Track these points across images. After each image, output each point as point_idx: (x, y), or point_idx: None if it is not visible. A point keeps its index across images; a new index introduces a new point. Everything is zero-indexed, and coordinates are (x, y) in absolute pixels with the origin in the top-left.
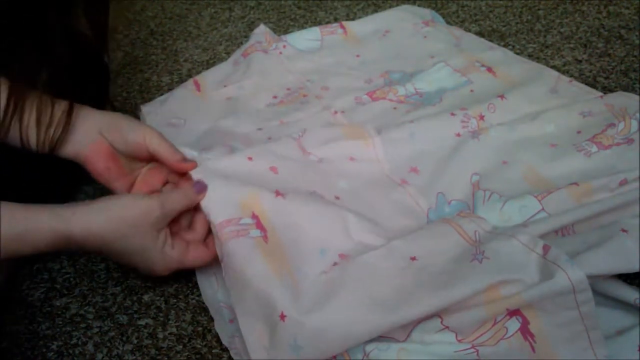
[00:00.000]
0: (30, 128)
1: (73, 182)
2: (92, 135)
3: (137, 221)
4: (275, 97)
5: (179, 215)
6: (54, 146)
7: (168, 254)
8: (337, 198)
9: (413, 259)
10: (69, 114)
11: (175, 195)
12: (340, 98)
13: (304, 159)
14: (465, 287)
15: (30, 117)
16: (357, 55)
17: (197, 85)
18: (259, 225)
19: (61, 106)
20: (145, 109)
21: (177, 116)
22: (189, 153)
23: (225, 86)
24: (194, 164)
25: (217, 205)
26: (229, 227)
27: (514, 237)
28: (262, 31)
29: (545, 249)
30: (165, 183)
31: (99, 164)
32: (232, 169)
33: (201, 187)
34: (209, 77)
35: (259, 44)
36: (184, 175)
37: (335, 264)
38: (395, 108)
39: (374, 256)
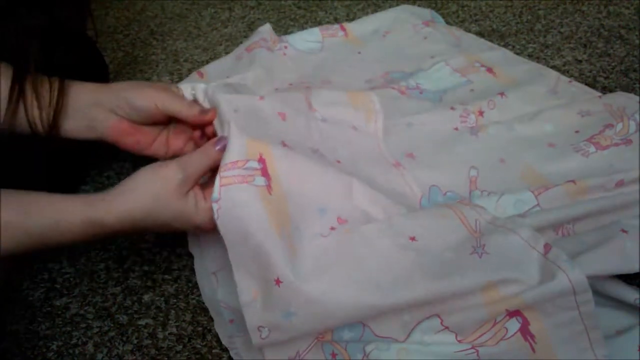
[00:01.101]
0: (35, 111)
1: (72, 183)
2: (105, 117)
3: (161, 192)
4: (277, 89)
5: (207, 174)
6: (53, 128)
7: (203, 207)
8: (338, 162)
9: (412, 239)
10: (60, 93)
11: (196, 156)
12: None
13: (309, 114)
14: (463, 280)
15: (32, 100)
16: (359, 52)
17: (200, 74)
18: (265, 171)
19: (56, 85)
20: None
21: None
22: (199, 87)
23: (227, 77)
24: (214, 114)
25: (227, 143)
26: (234, 170)
27: (515, 233)
28: (267, 30)
29: (546, 248)
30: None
31: (126, 141)
32: (242, 103)
33: (224, 146)
34: (212, 68)
35: (264, 41)
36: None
37: (332, 228)
38: (397, 97)
39: (374, 230)
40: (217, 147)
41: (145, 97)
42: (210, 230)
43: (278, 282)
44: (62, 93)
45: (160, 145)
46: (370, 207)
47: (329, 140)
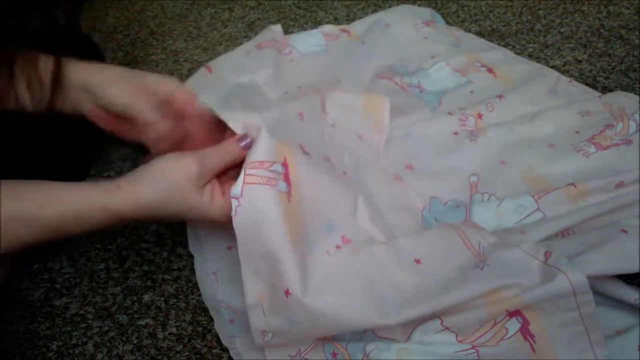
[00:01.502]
0: (23, 90)
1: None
2: (89, 105)
3: (178, 183)
4: (286, 92)
5: (227, 169)
6: (49, 107)
7: (219, 202)
8: (345, 174)
9: (417, 261)
10: (55, 74)
11: (216, 151)
12: (351, 90)
13: (321, 117)
14: (464, 291)
15: (21, 78)
16: (363, 43)
17: (209, 69)
18: (287, 177)
19: (48, 64)
20: None
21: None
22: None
23: (237, 73)
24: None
25: (257, 141)
26: (261, 170)
27: (517, 246)
28: (278, 31)
29: (547, 255)
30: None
31: (108, 128)
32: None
33: (248, 144)
34: (221, 62)
35: (275, 42)
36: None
37: (337, 246)
38: (398, 92)
39: (380, 251)
40: (241, 144)
41: (127, 99)
42: (224, 226)
43: (287, 293)
44: (56, 74)
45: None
46: (371, 227)
47: (337, 147)
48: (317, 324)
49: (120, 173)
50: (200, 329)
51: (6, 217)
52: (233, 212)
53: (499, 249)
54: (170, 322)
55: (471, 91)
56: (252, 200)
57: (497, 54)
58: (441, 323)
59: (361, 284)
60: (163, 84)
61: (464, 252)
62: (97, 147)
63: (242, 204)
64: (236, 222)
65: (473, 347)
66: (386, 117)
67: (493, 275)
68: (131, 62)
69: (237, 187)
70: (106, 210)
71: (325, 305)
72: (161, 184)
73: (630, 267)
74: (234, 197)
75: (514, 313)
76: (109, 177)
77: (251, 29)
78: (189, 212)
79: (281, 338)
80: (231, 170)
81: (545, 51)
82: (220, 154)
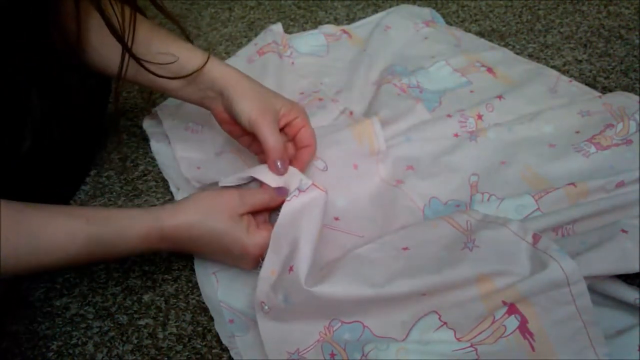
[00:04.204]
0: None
1: (73, 183)
2: (214, 104)
3: (218, 205)
4: None
5: (261, 210)
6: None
7: (254, 234)
8: (337, 219)
9: (405, 249)
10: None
11: (257, 190)
12: (355, 99)
13: (310, 166)
14: (455, 271)
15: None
16: (364, 50)
17: None
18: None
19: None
20: (161, 112)
21: (194, 121)
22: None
23: None
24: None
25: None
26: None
27: (505, 226)
28: (279, 31)
29: (535, 238)
30: None
31: (223, 126)
32: None
33: (283, 192)
34: None
35: (276, 44)
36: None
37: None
38: (399, 94)
39: (366, 249)
40: (277, 192)
41: (253, 117)
42: (254, 259)
43: (291, 269)
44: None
45: (246, 140)
46: None
47: (329, 192)
48: (309, 302)
49: (120, 173)
50: (200, 329)
51: (56, 231)
52: (289, 198)
53: (486, 227)
54: (170, 322)
55: (471, 91)
56: (309, 199)
57: (497, 54)
58: (439, 318)
59: (351, 274)
60: (291, 111)
61: (450, 231)
62: (97, 147)
63: (300, 196)
64: (286, 208)
65: (472, 346)
66: (380, 138)
67: (483, 258)
68: None
69: (307, 182)
70: (148, 226)
71: (319, 290)
72: (203, 205)
73: (630, 267)
74: (298, 189)
75: (511, 310)
76: (108, 177)
77: (251, 29)
78: (225, 234)
79: (276, 313)
80: (266, 213)
81: (545, 51)
82: (258, 193)
